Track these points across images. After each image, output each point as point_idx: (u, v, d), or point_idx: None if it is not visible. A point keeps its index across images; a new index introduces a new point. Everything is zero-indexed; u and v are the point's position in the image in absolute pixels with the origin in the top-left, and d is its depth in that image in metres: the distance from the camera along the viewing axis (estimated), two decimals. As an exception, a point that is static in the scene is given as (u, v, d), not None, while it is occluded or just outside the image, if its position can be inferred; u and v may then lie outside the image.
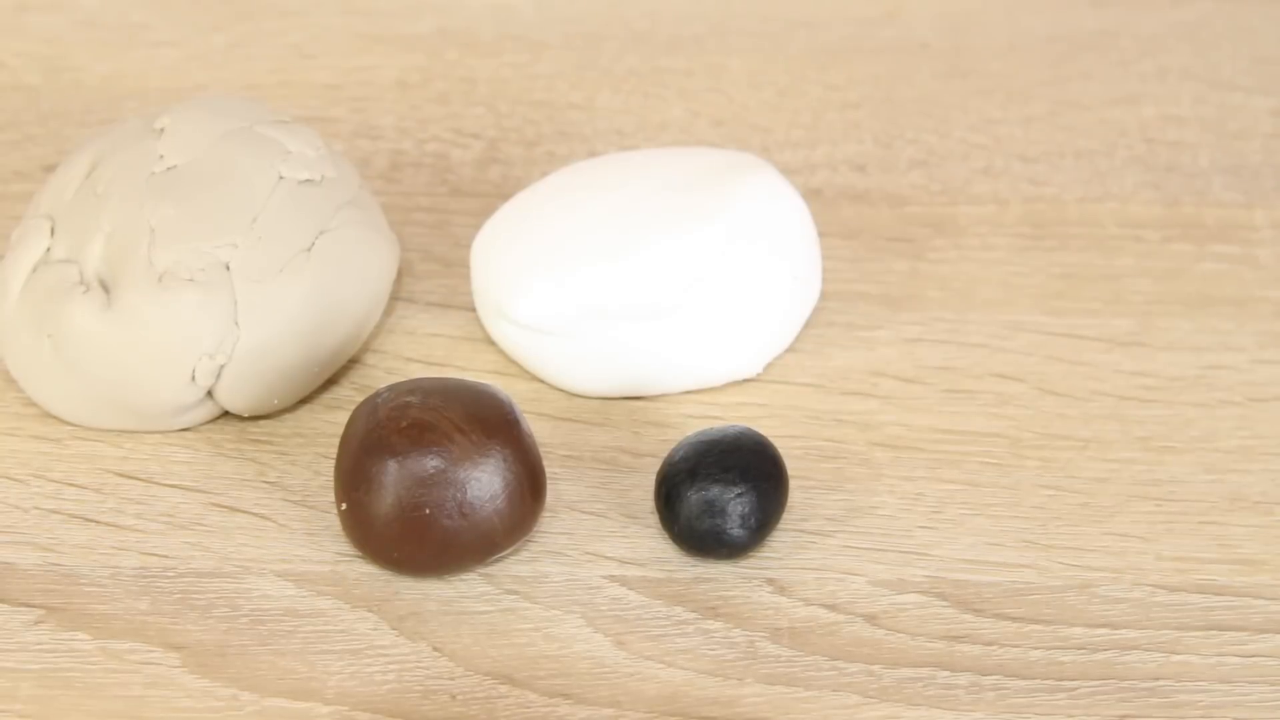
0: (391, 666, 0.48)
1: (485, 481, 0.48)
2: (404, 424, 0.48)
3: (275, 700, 0.48)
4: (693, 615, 0.50)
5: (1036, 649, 0.49)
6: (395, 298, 0.58)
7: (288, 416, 0.55)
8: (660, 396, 0.55)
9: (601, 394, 0.55)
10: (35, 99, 0.66)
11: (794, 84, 0.67)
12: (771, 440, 0.51)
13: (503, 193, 0.61)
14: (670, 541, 0.51)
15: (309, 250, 0.53)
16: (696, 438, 0.51)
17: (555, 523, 0.52)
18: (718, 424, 0.52)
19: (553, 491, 0.51)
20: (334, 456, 0.50)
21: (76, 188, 0.54)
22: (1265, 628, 0.49)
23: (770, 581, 0.50)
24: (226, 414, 0.54)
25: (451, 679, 0.48)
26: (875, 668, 0.48)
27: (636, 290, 0.53)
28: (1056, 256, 0.60)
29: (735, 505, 0.49)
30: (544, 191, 0.57)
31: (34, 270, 0.53)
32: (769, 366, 0.56)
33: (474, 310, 0.57)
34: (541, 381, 0.55)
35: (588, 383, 0.55)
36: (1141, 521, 0.52)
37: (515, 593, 0.50)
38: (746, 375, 0.56)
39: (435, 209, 0.61)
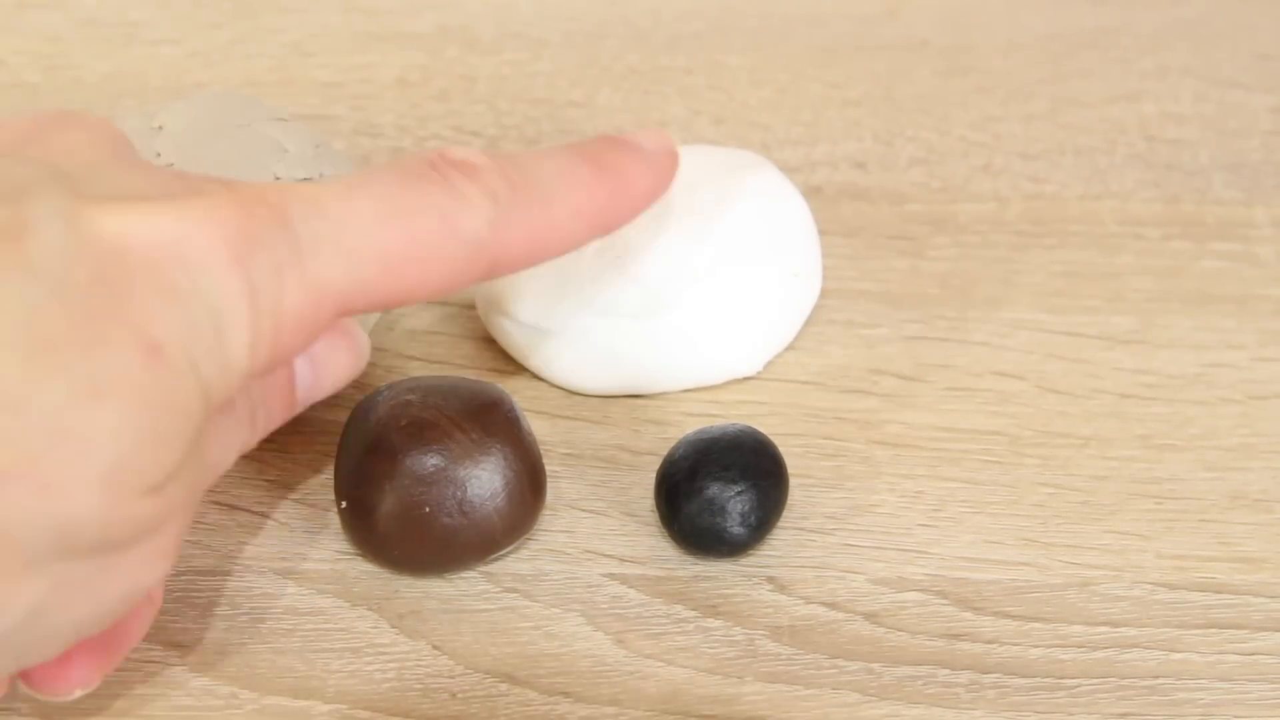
0: (391, 665, 0.48)
1: (485, 480, 0.48)
2: (404, 422, 0.48)
3: (275, 698, 0.48)
4: (693, 613, 0.50)
5: (1036, 647, 0.49)
6: (395, 295, 0.58)
7: (287, 414, 0.54)
8: (660, 394, 0.55)
9: (601, 392, 0.55)
10: (35, 97, 0.66)
11: (794, 82, 0.67)
12: (771, 438, 0.51)
13: (503, 190, 0.61)
14: (670, 539, 0.51)
15: (309, 248, 0.53)
16: (696, 436, 0.51)
17: (555, 521, 0.52)
18: (718, 422, 0.52)
19: (553, 490, 0.51)
20: (334, 455, 0.50)
21: (76, 186, 0.54)
22: (1265, 626, 0.49)
23: (770, 579, 0.50)
24: (226, 412, 0.54)
25: (451, 677, 0.48)
26: (875, 666, 0.48)
27: (636, 288, 0.53)
28: (1056, 254, 0.60)
29: (735, 503, 0.49)
30: (544, 189, 0.57)
31: (33, 268, 0.53)
32: (769, 364, 0.56)
33: (474, 308, 0.57)
34: (541, 379, 0.55)
35: (587, 381, 0.55)
36: (1141, 519, 0.52)
37: (515, 591, 0.50)
38: (746, 373, 0.56)
39: (435, 207, 0.61)
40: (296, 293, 0.40)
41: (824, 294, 0.58)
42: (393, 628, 0.49)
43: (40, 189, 0.38)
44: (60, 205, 0.38)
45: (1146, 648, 0.49)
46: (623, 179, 0.47)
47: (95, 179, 0.39)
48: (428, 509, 0.48)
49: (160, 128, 0.54)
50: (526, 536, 0.51)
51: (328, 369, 0.43)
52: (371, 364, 0.56)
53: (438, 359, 0.56)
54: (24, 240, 0.37)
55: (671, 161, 0.48)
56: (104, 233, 0.38)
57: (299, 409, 0.44)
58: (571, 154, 0.46)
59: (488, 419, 0.49)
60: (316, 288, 0.40)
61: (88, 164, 0.40)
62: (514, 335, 0.55)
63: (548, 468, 0.51)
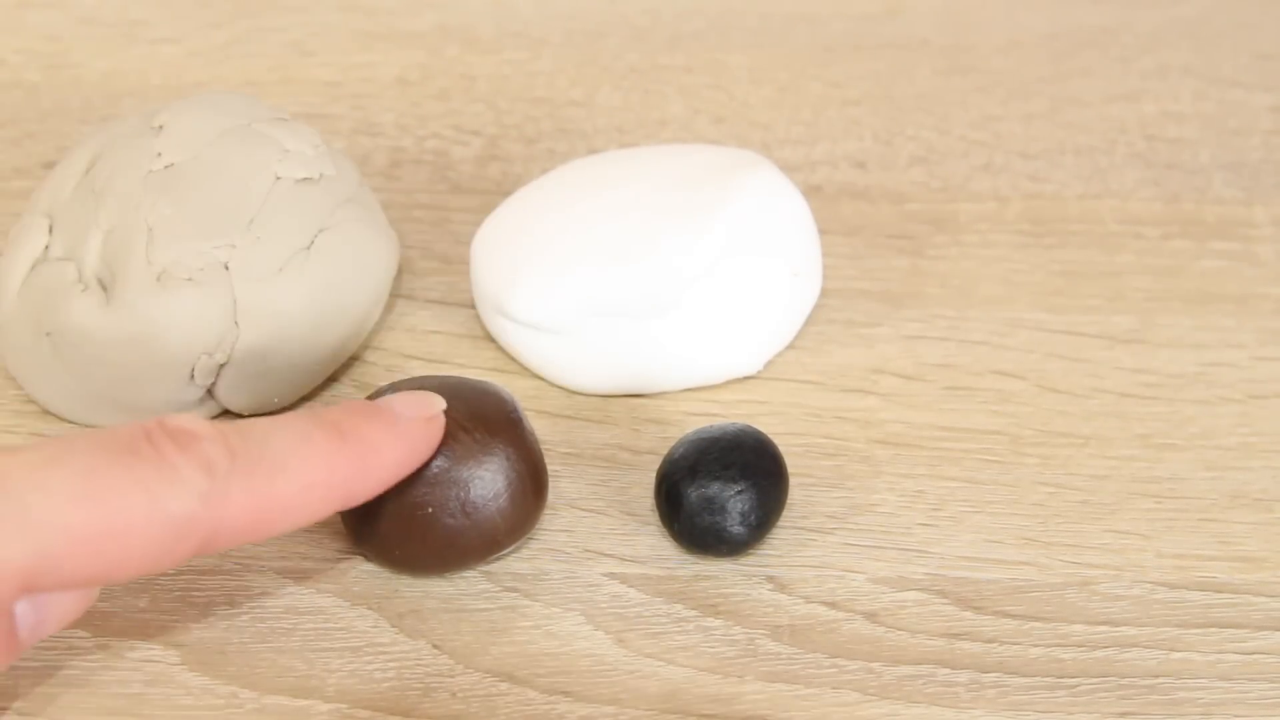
0: (391, 664, 0.48)
1: (488, 480, 0.48)
2: (404, 422, 0.48)
3: (275, 698, 0.48)
4: (693, 613, 0.50)
5: (1036, 646, 0.49)
6: (395, 295, 0.58)
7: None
8: (660, 394, 0.55)
9: (602, 391, 0.55)
10: (35, 96, 0.66)
11: (794, 81, 0.67)
12: (771, 437, 0.51)
13: (503, 190, 0.61)
14: (670, 539, 0.51)
15: (308, 248, 0.53)
16: (696, 435, 0.51)
17: (555, 520, 0.52)
18: (718, 421, 0.52)
19: (553, 489, 0.51)
20: (334, 454, 0.50)
21: (75, 185, 0.54)
22: (1265, 625, 0.49)
23: (770, 579, 0.50)
24: (227, 412, 0.54)
25: (451, 676, 0.48)
26: (875, 665, 0.48)
27: (636, 287, 0.53)
28: (1056, 253, 0.60)
29: (735, 502, 0.49)
30: (544, 189, 0.57)
31: (32, 268, 0.53)
32: (769, 364, 0.56)
33: (474, 307, 0.57)
34: (541, 379, 0.55)
35: (588, 380, 0.55)
36: (1141, 519, 0.52)
37: (515, 590, 0.50)
38: (747, 372, 0.56)
39: (435, 206, 0.61)
40: None
41: (824, 293, 0.58)
42: (393, 627, 0.49)
43: None
44: None
45: (1146, 647, 0.49)
46: (367, 448, 0.44)
47: None
48: (430, 509, 0.48)
49: (160, 128, 0.54)
50: (528, 536, 0.51)
51: (51, 611, 0.42)
52: (372, 363, 0.56)
53: (438, 359, 0.56)
54: None
55: (429, 428, 0.46)
56: None
57: (24, 649, 0.43)
58: (311, 422, 0.44)
59: (491, 419, 0.49)
60: None
61: None
62: (513, 334, 0.55)
63: (548, 467, 0.51)
